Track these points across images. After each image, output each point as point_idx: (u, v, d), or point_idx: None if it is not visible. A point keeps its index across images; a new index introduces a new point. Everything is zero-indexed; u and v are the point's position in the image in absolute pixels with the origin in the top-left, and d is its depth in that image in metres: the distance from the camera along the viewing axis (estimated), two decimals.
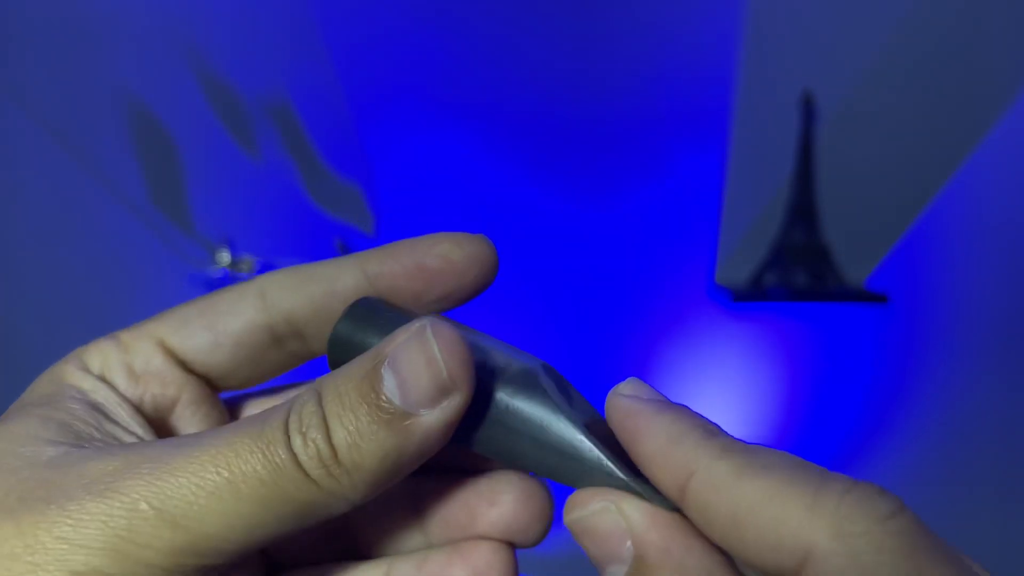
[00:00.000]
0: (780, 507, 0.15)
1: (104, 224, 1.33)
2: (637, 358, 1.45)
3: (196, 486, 0.17)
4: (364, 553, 0.23)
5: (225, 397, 0.25)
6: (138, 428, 0.21)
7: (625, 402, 0.19)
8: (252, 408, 0.25)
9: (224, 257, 1.33)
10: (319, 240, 1.38)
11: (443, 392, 0.18)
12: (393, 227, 1.40)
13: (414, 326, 0.19)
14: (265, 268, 1.35)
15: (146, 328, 0.23)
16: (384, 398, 0.18)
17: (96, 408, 0.21)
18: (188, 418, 0.23)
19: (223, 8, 1.31)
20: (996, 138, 1.38)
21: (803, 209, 1.39)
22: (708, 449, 0.17)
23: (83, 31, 1.28)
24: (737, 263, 1.43)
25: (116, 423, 0.21)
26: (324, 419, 0.18)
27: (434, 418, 0.18)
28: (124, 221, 1.32)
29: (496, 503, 0.22)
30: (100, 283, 1.34)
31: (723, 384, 1.44)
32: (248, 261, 1.34)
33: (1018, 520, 1.36)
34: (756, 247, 1.43)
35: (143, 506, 0.17)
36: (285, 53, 1.35)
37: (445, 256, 0.23)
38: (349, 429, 0.18)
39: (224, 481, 0.17)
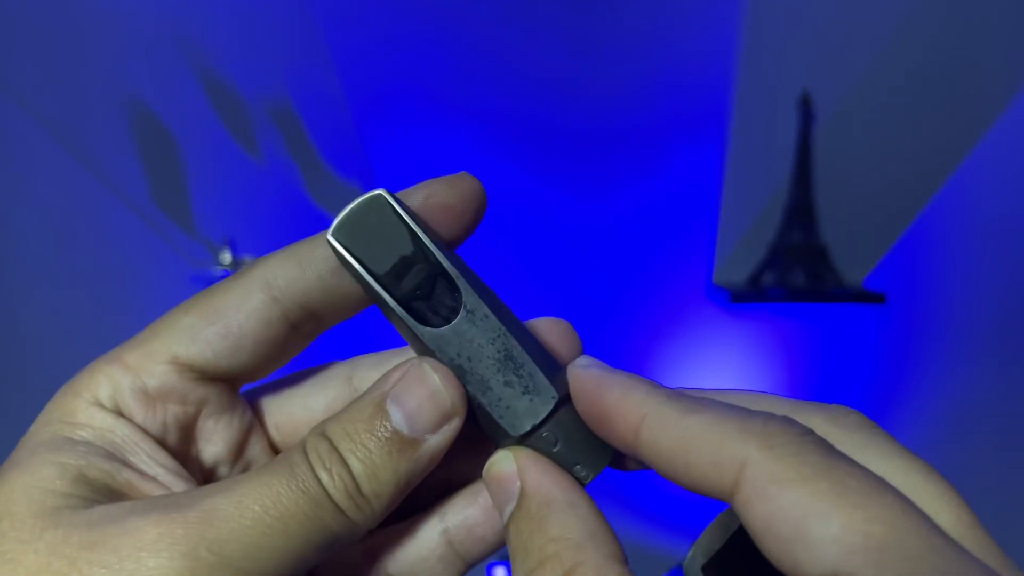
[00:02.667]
0: (718, 432, 0.18)
1: (106, 224, 1.33)
2: (635, 358, 1.45)
3: (250, 528, 0.19)
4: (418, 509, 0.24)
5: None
6: (159, 469, 0.21)
7: (583, 369, 0.21)
8: (270, 406, 0.25)
9: (226, 257, 1.33)
10: None
11: (446, 418, 0.21)
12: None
13: (410, 364, 0.21)
14: None
15: (152, 346, 0.22)
16: (393, 430, 0.20)
17: (111, 451, 0.21)
18: (212, 428, 0.23)
19: (225, 10, 1.32)
20: (993, 139, 1.38)
21: (801, 209, 1.40)
22: (655, 396, 0.19)
23: (84, 31, 1.28)
24: (735, 263, 1.44)
25: (133, 468, 0.21)
26: (341, 456, 0.20)
27: (438, 440, 0.21)
28: (126, 221, 1.32)
29: None
30: (102, 283, 1.34)
31: (721, 384, 1.44)
32: (249, 262, 1.35)
33: (1017, 519, 1.36)
34: (754, 247, 1.43)
35: (203, 553, 0.18)
36: (287, 54, 1.35)
37: (442, 204, 0.23)
38: (364, 461, 0.20)
39: (274, 520, 0.19)
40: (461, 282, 0.22)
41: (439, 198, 0.23)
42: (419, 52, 1.37)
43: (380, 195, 0.22)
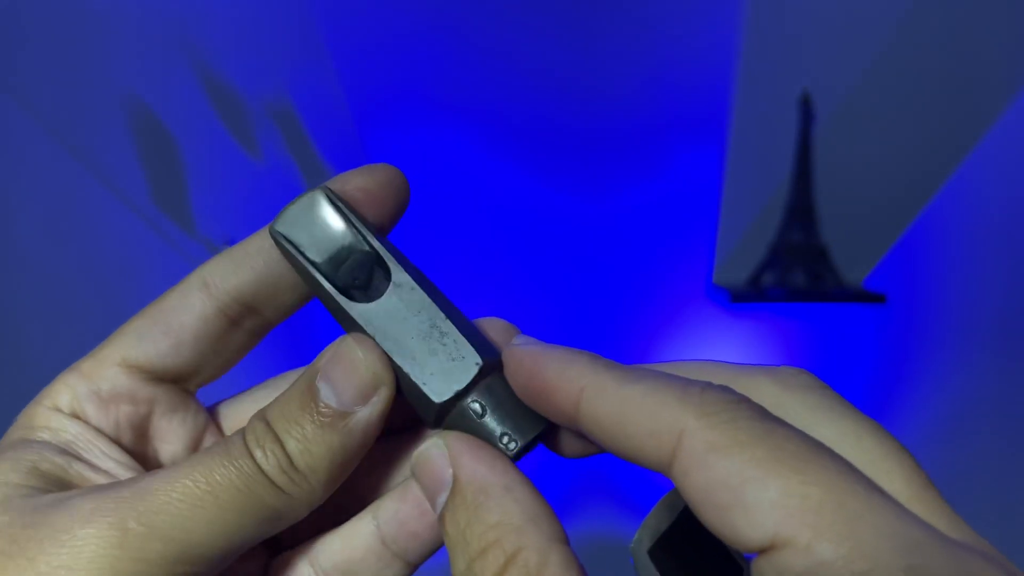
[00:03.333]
0: (656, 401, 0.18)
1: (106, 224, 1.33)
2: (635, 358, 1.45)
3: (179, 500, 0.19)
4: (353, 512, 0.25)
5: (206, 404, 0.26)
6: (111, 463, 0.22)
7: (521, 347, 0.21)
8: (227, 409, 0.26)
9: None
10: None
11: (372, 389, 0.21)
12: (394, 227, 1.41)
13: (337, 341, 0.22)
14: None
15: (104, 352, 0.23)
16: (322, 404, 0.21)
17: (65, 448, 0.22)
18: (166, 428, 0.24)
19: (224, 9, 1.32)
20: (994, 138, 1.38)
21: (801, 209, 1.40)
22: (594, 367, 0.19)
23: (84, 31, 1.28)
24: (735, 263, 1.44)
25: (85, 462, 0.22)
26: (275, 435, 0.21)
27: (368, 412, 0.21)
28: (126, 221, 1.32)
29: None
30: (102, 283, 1.34)
31: None
32: None
33: (1017, 519, 1.36)
34: (754, 247, 1.43)
35: (132, 524, 0.19)
36: (286, 54, 1.35)
37: (362, 188, 0.23)
38: (297, 438, 0.21)
39: (204, 493, 0.20)
40: (391, 262, 0.22)
41: (357, 182, 0.23)
42: (419, 52, 1.37)
43: (319, 191, 0.23)
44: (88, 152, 1.30)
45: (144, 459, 0.24)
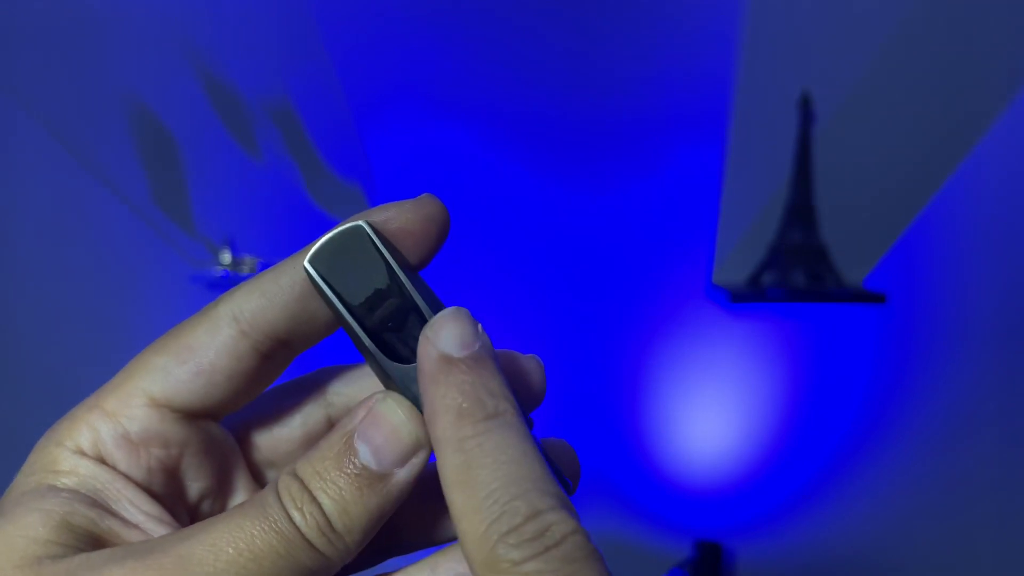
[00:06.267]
0: None
1: (106, 224, 1.33)
2: (635, 358, 1.45)
3: (224, 572, 0.19)
4: (405, 549, 0.25)
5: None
6: (141, 516, 0.21)
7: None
8: (250, 427, 0.25)
9: (225, 257, 1.33)
10: None
11: (413, 451, 0.21)
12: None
13: (375, 400, 0.21)
14: (266, 268, 1.36)
15: (127, 388, 0.22)
16: (362, 466, 0.21)
17: (94, 497, 0.21)
18: (197, 465, 0.23)
19: (224, 9, 1.32)
20: (994, 138, 1.38)
21: (801, 209, 1.40)
22: None
23: (84, 31, 1.28)
24: (735, 263, 1.44)
25: (116, 515, 0.21)
26: (311, 495, 0.20)
27: (406, 473, 0.21)
28: (126, 221, 1.32)
29: None
30: (102, 283, 1.34)
31: (721, 384, 1.45)
32: (249, 261, 1.35)
33: (1017, 519, 1.36)
34: (754, 247, 1.43)
35: None
36: (285, 53, 1.35)
37: (403, 228, 0.23)
38: (334, 498, 0.20)
39: (248, 561, 0.19)
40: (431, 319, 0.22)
41: (399, 222, 0.22)
42: (418, 51, 1.37)
43: (360, 227, 0.22)
44: (88, 152, 1.30)
45: (172, 499, 0.23)
